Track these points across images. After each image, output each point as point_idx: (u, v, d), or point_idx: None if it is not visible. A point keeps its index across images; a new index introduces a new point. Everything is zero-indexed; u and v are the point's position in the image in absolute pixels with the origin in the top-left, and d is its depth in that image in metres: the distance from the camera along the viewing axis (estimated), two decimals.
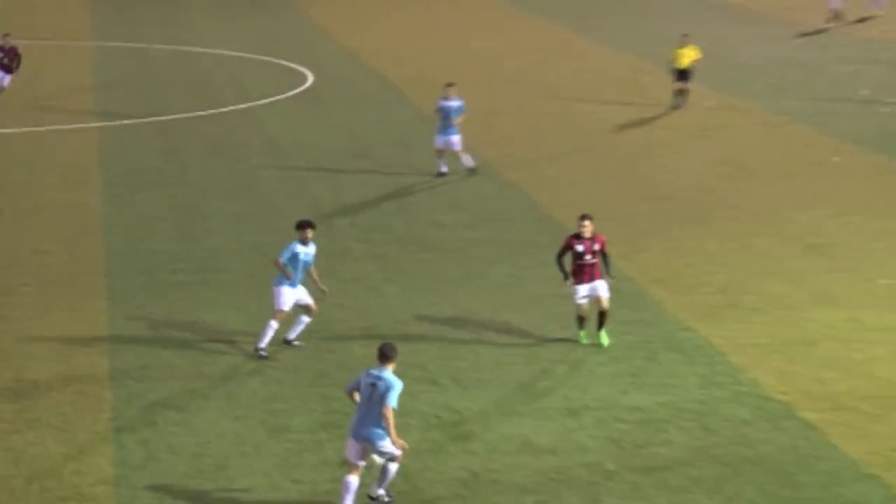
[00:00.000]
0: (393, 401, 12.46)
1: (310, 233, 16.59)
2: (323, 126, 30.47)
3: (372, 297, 18.77)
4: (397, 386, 12.51)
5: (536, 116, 31.28)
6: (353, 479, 12.63)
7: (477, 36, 44.00)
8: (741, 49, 39.53)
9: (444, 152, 25.08)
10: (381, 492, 12.92)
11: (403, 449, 12.66)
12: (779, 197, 23.82)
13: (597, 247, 16.82)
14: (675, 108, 30.74)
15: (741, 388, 15.61)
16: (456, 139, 24.92)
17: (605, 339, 16.80)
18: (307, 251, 16.53)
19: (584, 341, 16.82)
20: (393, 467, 12.81)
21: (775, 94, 32.64)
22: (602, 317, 16.80)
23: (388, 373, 12.59)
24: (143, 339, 17.40)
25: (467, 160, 25.11)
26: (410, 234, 21.96)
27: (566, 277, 16.85)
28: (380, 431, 12.53)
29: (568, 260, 16.91)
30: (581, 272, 16.81)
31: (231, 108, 32.59)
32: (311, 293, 16.85)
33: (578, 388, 15.63)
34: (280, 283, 16.56)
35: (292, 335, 16.89)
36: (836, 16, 42.95)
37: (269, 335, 16.53)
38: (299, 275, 16.55)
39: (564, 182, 25.16)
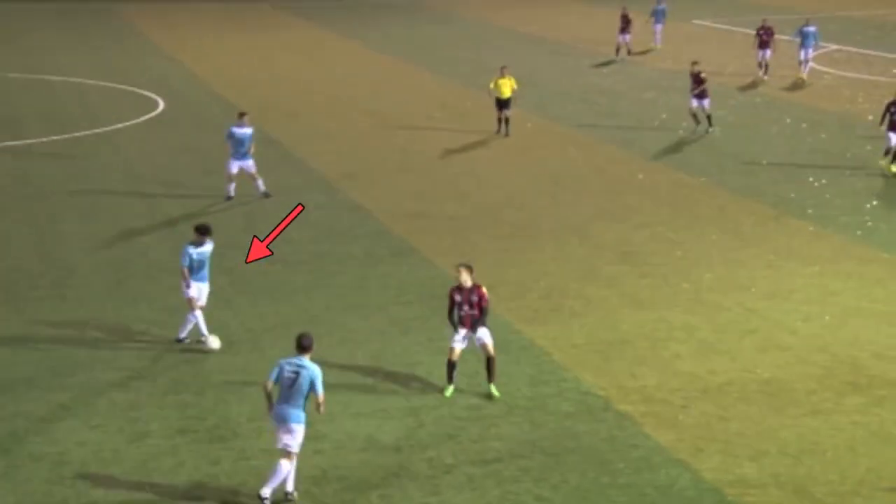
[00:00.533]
0: (321, 388, 12.67)
1: (205, 237, 17.10)
2: (174, 149, 29.80)
3: (224, 309, 18.35)
4: (319, 374, 12.71)
5: (373, 139, 31.15)
6: (285, 464, 12.57)
7: (318, 64, 43.73)
8: (553, 77, 40.10)
9: (236, 177, 24.74)
10: (268, 492, 12.51)
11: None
12: (592, 210, 24.15)
13: (475, 299, 15.24)
14: (498, 133, 30.85)
15: (565, 384, 15.72)
16: (250, 164, 24.67)
17: (494, 391, 15.20)
18: (200, 251, 17.04)
19: (448, 395, 15.12)
20: (284, 465, 12.57)
21: (586, 118, 33.15)
22: (490, 364, 15.23)
23: (308, 361, 12.72)
24: (2, 353, 16.69)
25: (260, 184, 24.88)
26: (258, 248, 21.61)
27: (456, 330, 15.37)
28: (297, 413, 12.63)
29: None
30: (460, 321, 15.34)
31: (86, 133, 31.64)
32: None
33: (418, 389, 15.54)
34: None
35: (182, 334, 17.06)
36: (622, 48, 44.00)
37: (188, 326, 17.05)
38: (200, 273, 17.09)
39: (399, 198, 25.08)
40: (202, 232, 17.16)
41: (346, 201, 24.99)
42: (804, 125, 31.92)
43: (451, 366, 15.38)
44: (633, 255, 21.11)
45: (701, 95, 30.62)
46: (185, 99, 36.44)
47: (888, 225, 22.83)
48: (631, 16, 43.99)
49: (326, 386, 12.92)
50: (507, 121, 30.83)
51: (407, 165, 28.25)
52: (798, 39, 38.53)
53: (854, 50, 39.64)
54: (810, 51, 38.25)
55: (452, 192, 25.70)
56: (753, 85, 37.83)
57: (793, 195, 24.95)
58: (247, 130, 24.77)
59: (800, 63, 38.35)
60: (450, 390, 15.31)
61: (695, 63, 31.03)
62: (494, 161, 28.70)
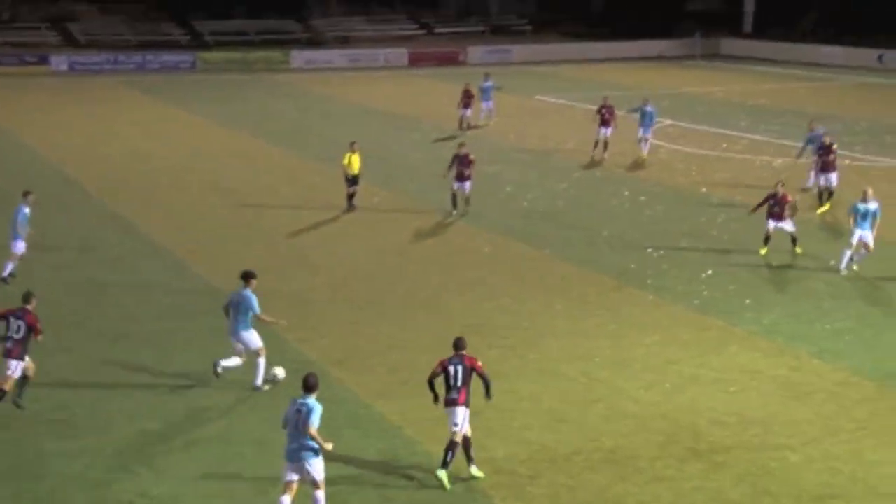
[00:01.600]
0: (315, 421, 13.49)
1: (252, 283, 18.19)
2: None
3: (63, 388, 17.82)
4: (317, 408, 13.59)
5: (220, 214, 30.87)
6: (286, 500, 13.42)
7: (163, 139, 43.23)
8: (400, 151, 40.49)
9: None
10: None
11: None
12: (439, 282, 24.33)
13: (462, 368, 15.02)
14: (349, 210, 30.91)
15: (416, 458, 15.69)
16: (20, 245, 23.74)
17: (476, 472, 15.08)
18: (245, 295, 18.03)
19: (448, 487, 14.69)
20: (320, 495, 13.51)
21: (432, 191, 33.45)
22: (466, 444, 15.04)
23: (312, 399, 13.66)
24: None
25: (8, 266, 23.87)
26: (107, 327, 21.12)
27: (435, 399, 15.22)
28: (309, 453, 13.56)
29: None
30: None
31: None
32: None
33: (266, 466, 15.30)
34: (250, 326, 18.04)
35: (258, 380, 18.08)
36: (465, 123, 44.87)
37: (261, 371, 18.02)
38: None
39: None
40: (251, 277, 18.19)
41: (193, 276, 24.65)
42: (642, 198, 32.84)
43: (453, 448, 14.86)
44: (480, 327, 21.31)
45: (462, 178, 29.89)
46: (12, 171, 35.46)
47: (723, 294, 23.60)
48: (472, 91, 45.04)
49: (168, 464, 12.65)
50: (352, 195, 30.94)
51: (254, 239, 28.06)
52: (637, 116, 39.27)
53: (686, 125, 41.08)
54: (649, 130, 38.62)
55: (300, 266, 25.61)
56: (594, 160, 38.80)
57: (633, 266, 25.60)
58: (26, 211, 23.69)
59: (639, 142, 38.73)
60: (444, 479, 14.81)
61: (462, 145, 30.67)
62: (342, 234, 28.73)
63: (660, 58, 75.51)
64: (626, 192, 33.47)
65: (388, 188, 33.92)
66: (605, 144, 38.69)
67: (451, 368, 15.03)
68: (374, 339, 20.76)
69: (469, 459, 15.13)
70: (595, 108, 40.19)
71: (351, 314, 22.15)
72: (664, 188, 34.21)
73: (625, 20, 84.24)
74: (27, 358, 17.00)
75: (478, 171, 31.14)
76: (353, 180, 30.83)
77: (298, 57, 72.06)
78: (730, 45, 79.11)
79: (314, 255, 26.61)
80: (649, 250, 27.00)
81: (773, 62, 71.58)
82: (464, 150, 30.12)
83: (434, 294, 23.49)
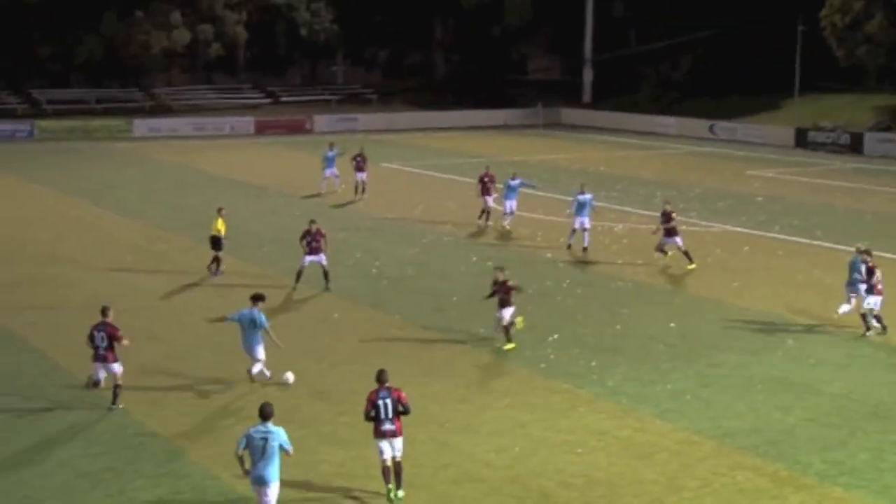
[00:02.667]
0: (289, 445, 15.06)
1: (260, 303, 21.44)
2: None
3: None
4: (283, 433, 15.04)
5: (60, 285, 30.02)
6: None
7: None
8: (247, 217, 40.13)
9: None
10: None
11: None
12: (289, 349, 24.01)
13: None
14: (214, 275, 30.75)
15: None
16: None
17: (402, 494, 16.45)
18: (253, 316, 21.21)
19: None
20: None
21: (281, 258, 33.12)
22: (396, 468, 16.46)
23: (272, 426, 15.01)
24: None
25: None
26: None
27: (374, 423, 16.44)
28: (273, 475, 14.86)
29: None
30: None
31: None
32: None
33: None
34: (261, 340, 21.50)
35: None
36: (358, 187, 45.01)
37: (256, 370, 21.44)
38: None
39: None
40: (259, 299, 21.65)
41: (32, 351, 23.84)
42: (489, 263, 33.22)
43: (386, 473, 16.34)
44: (329, 394, 21.13)
45: (316, 251, 29.37)
46: None
47: (568, 357, 23.95)
48: (365, 155, 45.58)
49: None
50: (218, 260, 30.94)
51: (95, 309, 27.28)
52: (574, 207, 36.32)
53: (531, 192, 41.73)
54: (586, 217, 34.63)
55: (145, 336, 25.01)
56: (442, 224, 39.15)
57: (482, 330, 25.79)
58: None
59: (573, 231, 34.99)
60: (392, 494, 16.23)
61: (312, 222, 29.83)
62: (189, 303, 28.22)
63: (504, 126, 76.98)
64: (474, 258, 33.81)
65: (235, 256, 33.51)
66: (488, 214, 38.93)
67: (381, 402, 16.35)
68: (221, 409, 20.36)
69: (399, 484, 16.37)
70: (465, 177, 41.03)
71: (196, 385, 21.71)
72: (511, 253, 34.67)
73: (469, 89, 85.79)
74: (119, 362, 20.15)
75: (328, 238, 31.04)
76: (215, 243, 30.88)
77: (141, 125, 71.07)
78: (570, 114, 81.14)
79: (159, 326, 26.05)
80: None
81: (612, 131, 73.66)
82: (314, 227, 29.77)
83: (283, 361, 23.18)
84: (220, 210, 31.57)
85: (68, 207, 42.66)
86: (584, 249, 34.58)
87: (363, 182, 45.12)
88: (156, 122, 72.15)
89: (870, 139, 62.91)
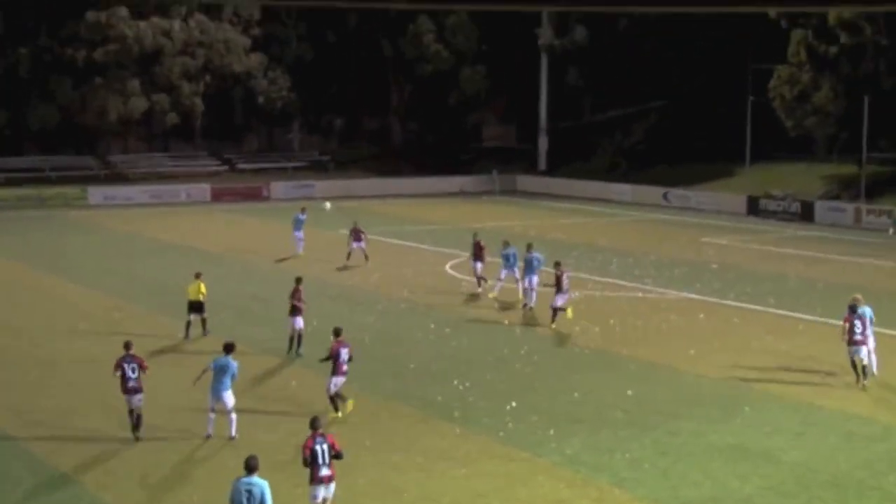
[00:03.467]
0: (269, 499, 15.48)
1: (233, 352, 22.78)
2: None
3: None
4: (266, 485, 15.52)
5: (8, 356, 29.61)
6: None
7: None
8: (207, 284, 39.86)
9: None
10: None
11: None
12: (245, 418, 23.81)
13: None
14: (187, 338, 31.13)
15: None
16: None
17: None
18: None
19: None
20: None
21: (240, 328, 32.96)
22: None
23: (257, 478, 15.58)
24: None
25: None
26: None
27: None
28: None
29: None
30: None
31: None
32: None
33: None
34: (230, 388, 22.56)
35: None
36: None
37: (234, 425, 22.46)
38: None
39: (41, 417, 23.78)
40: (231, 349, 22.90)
41: None
42: (447, 330, 33.21)
43: None
44: (288, 463, 20.86)
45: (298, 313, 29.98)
46: None
47: (527, 425, 23.89)
48: (361, 229, 45.55)
49: None
50: (201, 322, 31.60)
51: (49, 381, 26.97)
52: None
53: (488, 259, 41.95)
54: (535, 277, 35.50)
55: (101, 407, 24.70)
56: (399, 290, 39.14)
57: (439, 398, 25.70)
58: None
59: (524, 292, 36.12)
60: None
61: (299, 280, 30.70)
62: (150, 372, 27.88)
63: (461, 193, 77.36)
64: (432, 325, 33.78)
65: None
66: (480, 280, 38.93)
67: (318, 447, 17.16)
68: (178, 476, 20.10)
69: None
70: (422, 244, 41.14)
71: (154, 456, 21.43)
72: (468, 320, 34.68)
73: (426, 157, 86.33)
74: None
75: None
76: (197, 307, 31.50)
77: (97, 193, 70.71)
78: (525, 181, 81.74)
79: (112, 396, 25.72)
80: (455, 382, 27.20)
81: (567, 198, 74.22)
82: (299, 287, 30.33)
83: (241, 429, 22.96)
84: (198, 275, 32.10)
85: (22, 276, 42.23)
86: (529, 308, 34.95)
87: (362, 250, 45.27)
88: (111, 191, 71.84)
89: (820, 207, 63.81)
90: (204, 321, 31.84)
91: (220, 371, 22.41)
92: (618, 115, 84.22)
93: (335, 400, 24.29)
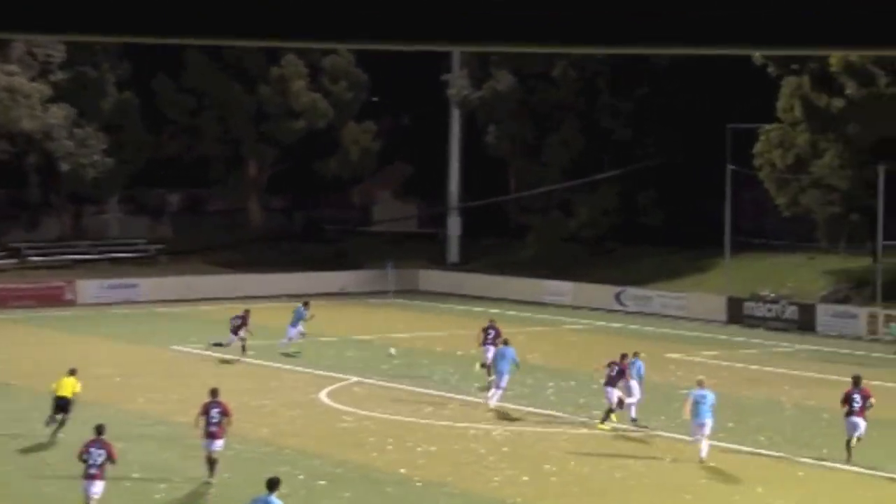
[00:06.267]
0: None
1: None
2: None
3: None
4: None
5: None
6: None
7: None
8: None
9: None
10: None
11: None
12: None
13: None
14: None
15: None
16: None
17: None
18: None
19: None
20: None
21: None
22: None
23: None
24: None
25: None
26: None
27: None
28: None
29: None
30: None
31: None
32: None
33: None
34: None
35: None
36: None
37: None
38: None
39: None
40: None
41: None
42: (321, 482, 32.94)
43: None
44: None
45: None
46: None
47: None
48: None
49: None
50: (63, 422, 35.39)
51: None
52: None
53: (377, 382, 41.85)
54: (504, 380, 42.45)
55: None
56: (256, 430, 38.76)
57: None
58: None
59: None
60: None
61: (214, 392, 33.37)
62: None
63: (342, 294, 77.13)
64: (301, 476, 33.45)
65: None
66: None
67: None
68: None
69: None
70: (287, 364, 40.72)
71: None
72: (350, 468, 34.40)
73: (294, 245, 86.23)
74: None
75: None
76: (64, 406, 36.15)
77: None
78: (430, 277, 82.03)
79: None
80: None
81: (487, 300, 74.18)
82: (216, 397, 33.61)
83: None
84: (73, 371, 37.20)
85: None
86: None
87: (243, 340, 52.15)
88: None
89: (823, 313, 64.77)
90: (64, 421, 36.29)
91: None
92: (555, 189, 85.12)
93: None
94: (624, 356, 39.53)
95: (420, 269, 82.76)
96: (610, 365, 39.05)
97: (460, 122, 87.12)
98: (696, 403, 35.00)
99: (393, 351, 52.83)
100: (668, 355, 55.65)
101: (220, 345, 52.41)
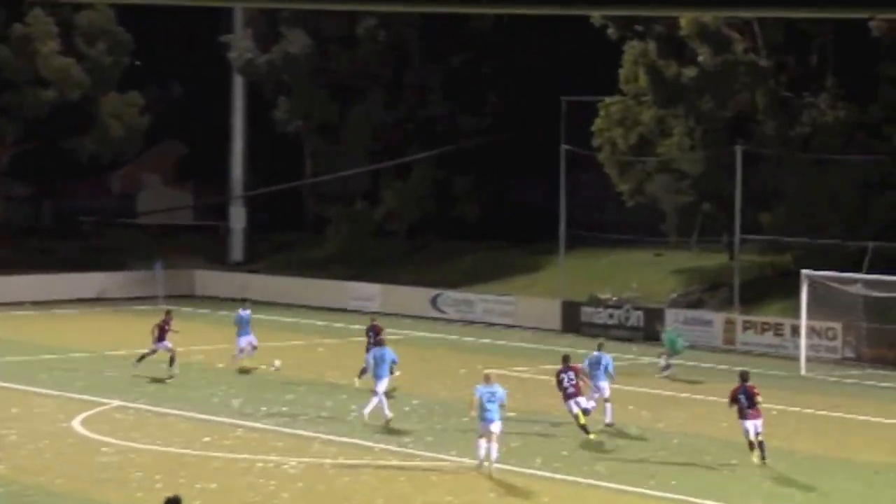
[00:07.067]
0: None
1: None
2: None
3: None
4: None
5: None
6: None
7: None
8: None
9: None
10: None
11: None
12: None
13: None
14: None
15: None
16: None
17: None
18: None
19: None
20: None
21: None
22: None
23: None
24: None
25: None
26: None
27: None
28: None
29: None
30: None
31: None
32: None
33: None
34: None
35: None
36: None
37: None
38: None
39: None
40: None
41: None
42: None
43: None
44: None
45: None
46: None
47: None
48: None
49: None
50: None
51: None
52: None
53: (144, 407, 41.38)
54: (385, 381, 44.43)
55: None
56: None
57: None
58: None
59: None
60: None
61: None
62: None
63: (100, 300, 76.39)
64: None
65: None
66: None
67: None
68: None
69: None
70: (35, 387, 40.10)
71: None
72: None
73: (38, 240, 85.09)
74: None
75: None
76: None
77: None
78: (208, 279, 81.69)
79: None
80: None
81: (277, 307, 74.02)
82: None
83: None
84: None
85: None
86: None
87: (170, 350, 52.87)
88: None
89: (673, 319, 65.38)
90: None
91: None
92: (358, 174, 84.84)
93: None
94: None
95: (196, 270, 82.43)
96: (560, 374, 42.28)
97: (244, 92, 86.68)
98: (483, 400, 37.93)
99: (277, 363, 52.89)
100: (489, 370, 55.51)
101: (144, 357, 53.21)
